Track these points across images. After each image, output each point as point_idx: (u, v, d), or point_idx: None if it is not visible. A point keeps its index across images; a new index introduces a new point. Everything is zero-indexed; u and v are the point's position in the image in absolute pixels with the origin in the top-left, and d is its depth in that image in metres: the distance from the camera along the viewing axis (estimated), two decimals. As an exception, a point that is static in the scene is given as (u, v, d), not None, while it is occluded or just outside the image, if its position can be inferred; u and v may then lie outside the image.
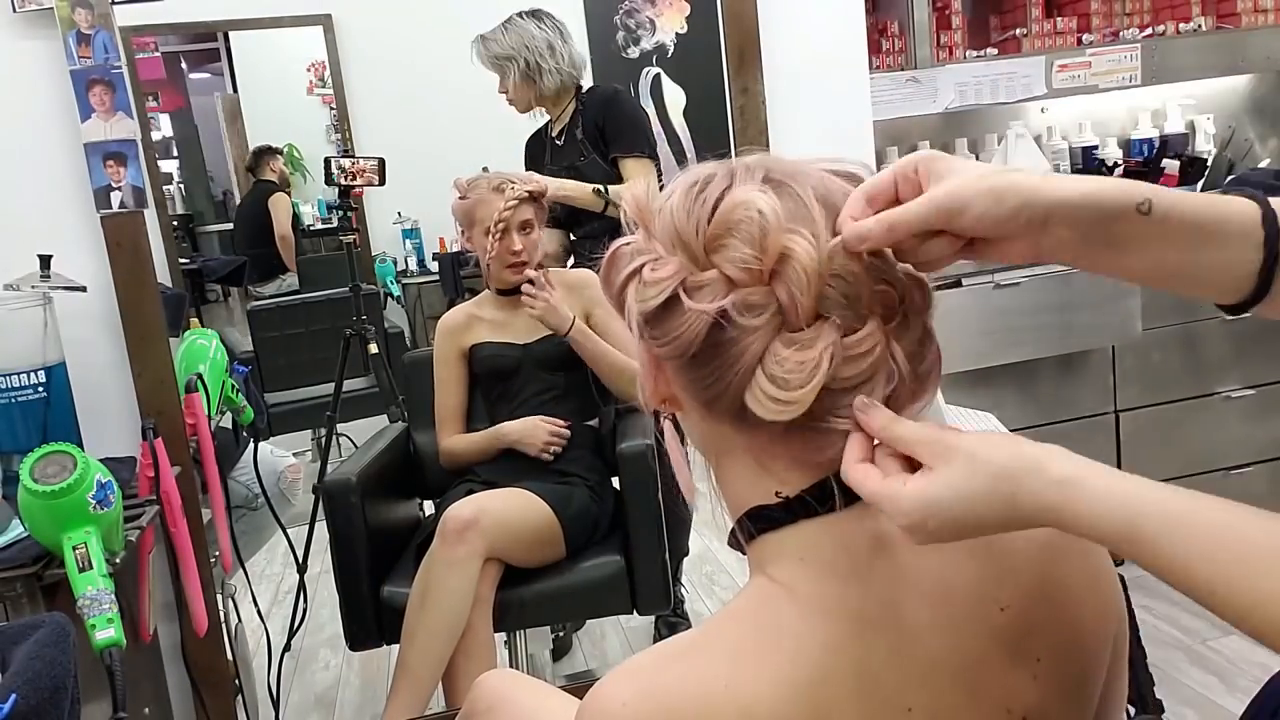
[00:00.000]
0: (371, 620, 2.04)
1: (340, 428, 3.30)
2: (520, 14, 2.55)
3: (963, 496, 0.59)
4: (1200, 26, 2.92)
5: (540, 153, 2.66)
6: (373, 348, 2.66)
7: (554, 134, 2.62)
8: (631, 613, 2.12)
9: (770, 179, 0.66)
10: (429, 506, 2.48)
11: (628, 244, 0.70)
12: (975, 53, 2.80)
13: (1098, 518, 0.55)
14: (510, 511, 2.03)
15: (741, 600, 0.68)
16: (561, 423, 2.22)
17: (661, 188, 0.71)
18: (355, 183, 2.53)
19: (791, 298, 0.62)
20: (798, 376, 0.62)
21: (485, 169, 2.47)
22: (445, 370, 2.31)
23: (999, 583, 0.68)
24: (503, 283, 2.26)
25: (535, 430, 2.19)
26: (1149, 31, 2.91)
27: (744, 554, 0.72)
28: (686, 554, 2.64)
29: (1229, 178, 3.04)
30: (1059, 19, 2.85)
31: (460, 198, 2.27)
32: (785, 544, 0.67)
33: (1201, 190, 3.01)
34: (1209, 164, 3.10)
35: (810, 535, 0.67)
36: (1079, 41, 2.83)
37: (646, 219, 0.69)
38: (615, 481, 2.28)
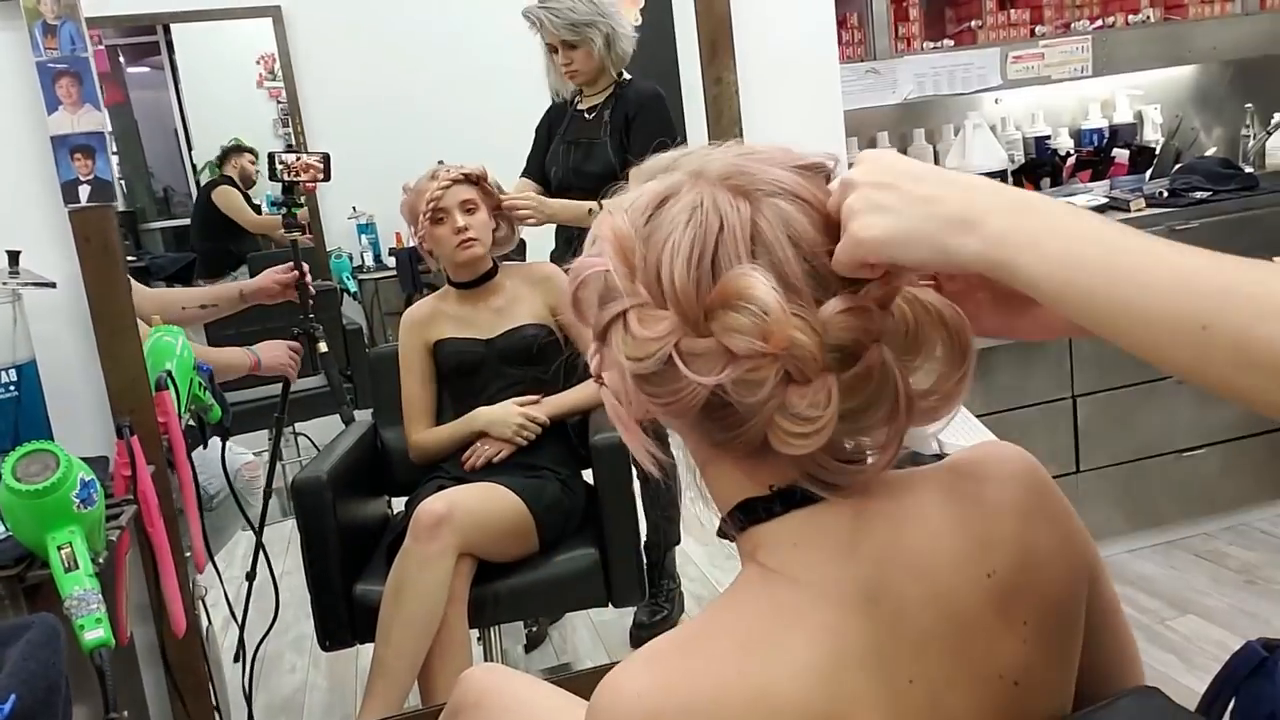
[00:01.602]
0: (344, 620, 2.02)
1: (300, 426, 3.25)
2: None
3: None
4: (1148, 18, 2.98)
5: (557, 121, 2.62)
6: (322, 346, 2.60)
7: (583, 108, 2.58)
8: (607, 605, 2.12)
9: (742, 191, 0.66)
10: (397, 504, 2.45)
11: (600, 270, 0.68)
12: (932, 44, 2.84)
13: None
14: (483, 505, 2.02)
15: (740, 588, 0.69)
16: (535, 399, 2.20)
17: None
18: (300, 178, 2.48)
19: (797, 368, 0.63)
20: (814, 412, 0.63)
21: (441, 163, 2.45)
22: (411, 365, 2.29)
23: (984, 549, 0.69)
24: (459, 269, 2.24)
25: (508, 414, 2.18)
26: (1099, 23, 2.97)
27: (732, 542, 0.73)
28: (678, 542, 2.64)
29: (1176, 166, 3.12)
30: (1012, 11, 2.89)
31: (404, 198, 2.26)
32: (778, 533, 0.69)
33: (1150, 178, 3.08)
34: (1157, 153, 3.18)
35: (800, 522, 0.69)
36: (1032, 33, 2.88)
37: (630, 260, 0.67)
38: (587, 474, 2.29)
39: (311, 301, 2.49)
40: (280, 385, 2.44)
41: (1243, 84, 3.42)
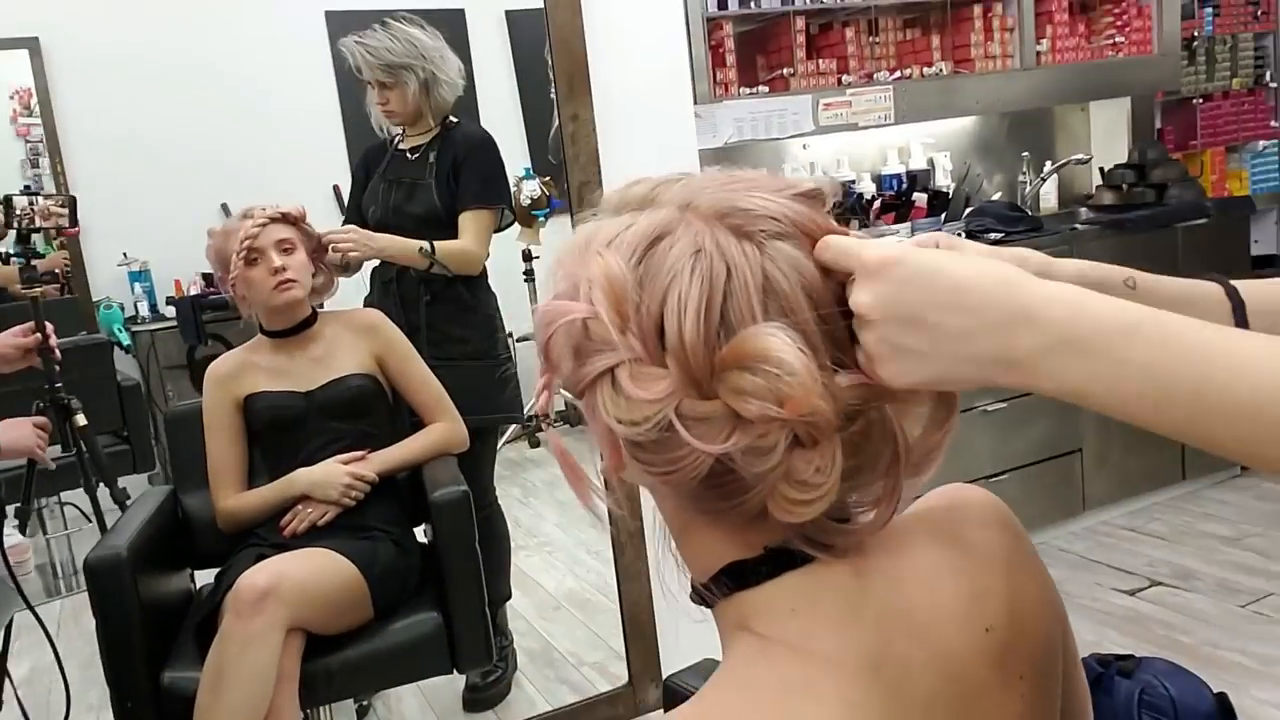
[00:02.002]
0: (152, 713, 1.78)
1: (68, 494, 2.92)
2: (396, 16, 2.39)
3: (951, 259, 0.56)
4: (940, 71, 3.17)
5: (376, 160, 2.52)
6: (79, 419, 2.32)
7: (405, 148, 2.48)
8: (451, 672, 1.98)
9: (744, 233, 0.59)
10: (201, 577, 2.22)
11: (578, 315, 0.59)
12: (749, 90, 2.90)
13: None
14: (312, 574, 1.85)
15: (740, 664, 0.62)
16: (359, 457, 2.05)
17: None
18: (41, 225, 2.21)
19: (809, 434, 0.57)
20: (820, 478, 0.57)
21: (224, 206, 2.28)
22: (217, 424, 2.08)
23: (980, 603, 0.66)
24: (275, 315, 2.07)
25: (333, 474, 2.01)
26: (898, 74, 3.13)
27: (708, 607, 0.66)
28: (509, 597, 2.52)
29: (968, 209, 3.32)
30: (821, 60, 3.00)
31: (210, 242, 2.08)
32: (773, 598, 0.62)
33: (945, 220, 3.26)
34: (950, 197, 3.38)
35: (796, 586, 0.62)
36: (839, 82, 2.99)
37: (624, 308, 0.58)
38: (419, 532, 2.15)
39: (59, 367, 2.21)
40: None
41: (1018, 134, 3.70)
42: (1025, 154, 3.63)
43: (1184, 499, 3.53)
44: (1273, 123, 3.96)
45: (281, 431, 2.08)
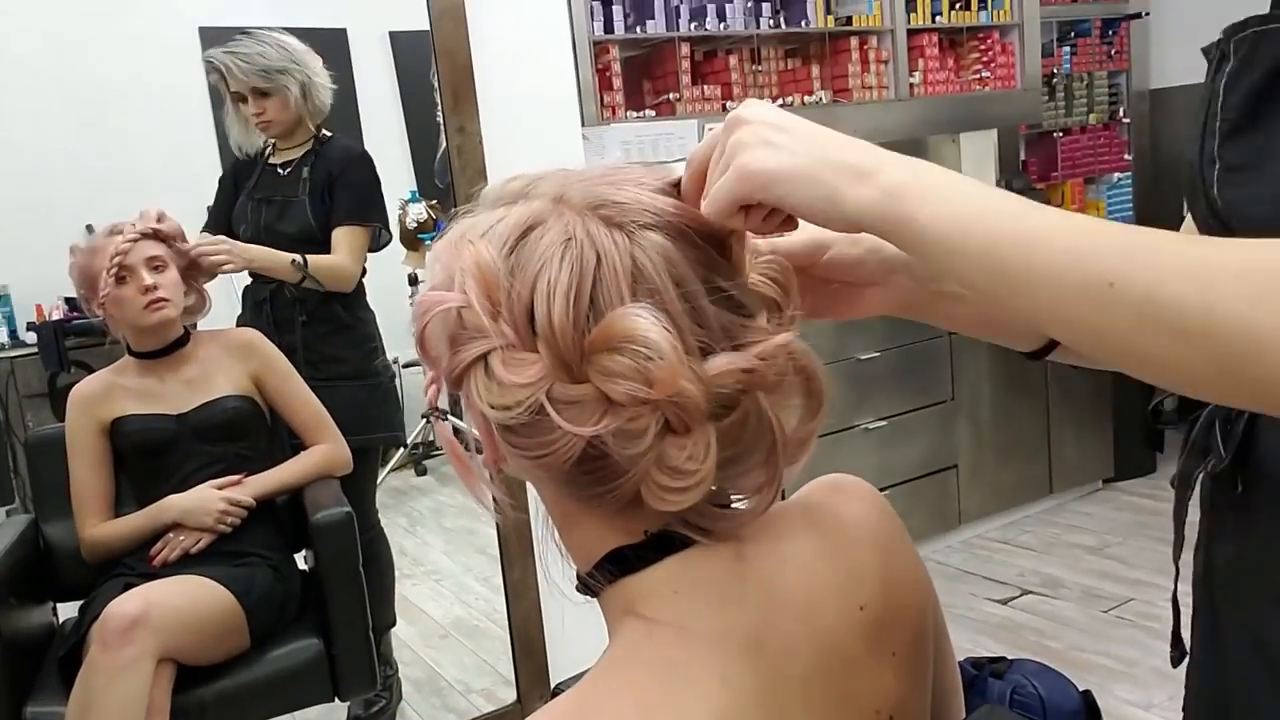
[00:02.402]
0: (10, 752, 1.68)
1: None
2: (262, 29, 2.33)
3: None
4: (821, 99, 3.27)
5: (245, 174, 2.44)
6: None
7: (277, 163, 2.41)
8: (333, 700, 1.92)
9: (615, 223, 0.60)
10: (64, 610, 2.11)
11: (451, 304, 0.60)
12: (635, 114, 2.94)
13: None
14: (184, 602, 1.78)
15: (626, 646, 0.62)
16: (236, 482, 1.98)
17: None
18: None
19: (680, 419, 0.58)
20: (693, 465, 0.58)
21: (89, 227, 2.19)
22: (81, 449, 1.99)
23: (855, 583, 0.68)
24: (145, 336, 1.99)
25: (206, 500, 1.94)
26: (780, 102, 3.21)
27: (594, 598, 0.66)
28: (393, 624, 2.46)
29: (847, 234, 3.42)
30: (705, 86, 3.06)
31: (74, 259, 1.99)
32: (656, 581, 0.63)
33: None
34: (831, 222, 3.47)
35: (678, 569, 0.63)
36: (724, 108, 3.06)
37: (495, 295, 0.59)
38: (299, 559, 2.09)
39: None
40: None
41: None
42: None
43: (1052, 511, 3.69)
44: (1126, 156, 4.20)
45: (151, 456, 2.00)
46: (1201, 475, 0.76)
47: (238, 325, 2.37)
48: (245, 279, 2.41)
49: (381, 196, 2.45)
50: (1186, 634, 0.85)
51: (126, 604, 1.70)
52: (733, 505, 0.65)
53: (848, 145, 0.57)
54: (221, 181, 2.49)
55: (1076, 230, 0.51)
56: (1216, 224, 0.67)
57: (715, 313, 0.60)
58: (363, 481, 2.36)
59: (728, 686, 0.59)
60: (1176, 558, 0.86)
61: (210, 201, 2.69)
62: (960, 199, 0.53)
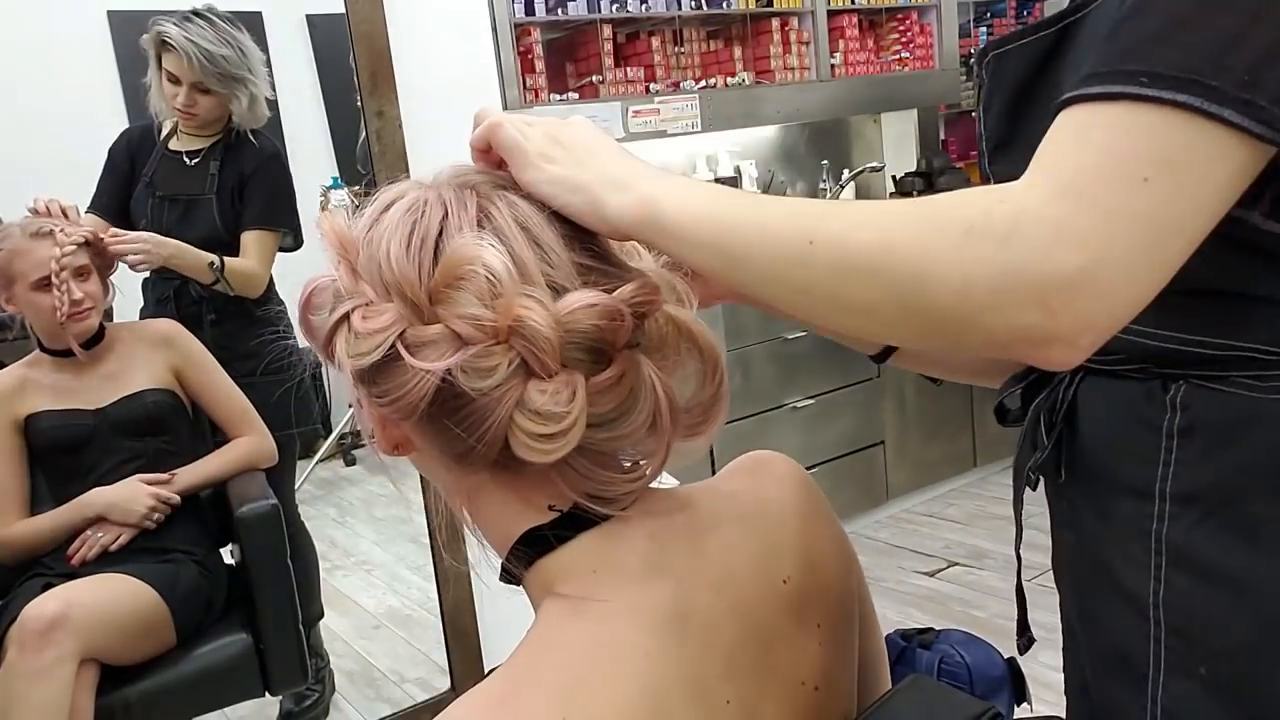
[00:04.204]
0: (-79, 764, 1.63)
1: None
2: (221, 16, 2.19)
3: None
4: (744, 81, 3.29)
5: (143, 155, 2.28)
6: None
7: (181, 149, 2.28)
8: (263, 695, 1.90)
9: (470, 185, 0.65)
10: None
11: (328, 281, 0.64)
12: (558, 96, 2.92)
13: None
14: (106, 601, 1.74)
15: (549, 626, 0.62)
16: (165, 479, 1.94)
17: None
18: None
19: (534, 355, 0.59)
20: (557, 408, 0.58)
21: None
22: None
23: (777, 556, 0.69)
24: (60, 339, 1.93)
25: (135, 495, 1.89)
26: (703, 84, 3.22)
27: (518, 585, 0.67)
28: (321, 616, 2.42)
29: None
30: (628, 68, 3.06)
31: None
32: (573, 560, 0.63)
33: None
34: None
35: (594, 548, 0.63)
36: (647, 90, 3.06)
37: (351, 255, 0.62)
38: (224, 552, 2.05)
39: None
40: None
41: (818, 143, 3.87)
42: (825, 162, 3.80)
43: (976, 484, 3.78)
44: (1041, 135, 4.30)
45: (68, 453, 1.94)
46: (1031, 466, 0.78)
47: (141, 319, 2.28)
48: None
49: (294, 199, 2.34)
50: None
51: (45, 605, 1.65)
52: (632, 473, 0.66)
53: (613, 160, 0.64)
54: (112, 155, 2.32)
55: (789, 207, 0.58)
56: None
57: (570, 256, 0.63)
58: (282, 475, 2.31)
59: (651, 661, 0.60)
60: (1018, 549, 0.89)
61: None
62: (701, 199, 0.60)
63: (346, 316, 0.61)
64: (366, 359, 0.60)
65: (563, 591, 0.63)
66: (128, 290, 2.17)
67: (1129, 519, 0.67)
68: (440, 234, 0.61)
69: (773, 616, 0.66)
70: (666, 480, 0.69)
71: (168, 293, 2.26)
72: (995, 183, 0.68)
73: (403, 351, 0.59)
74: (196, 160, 2.27)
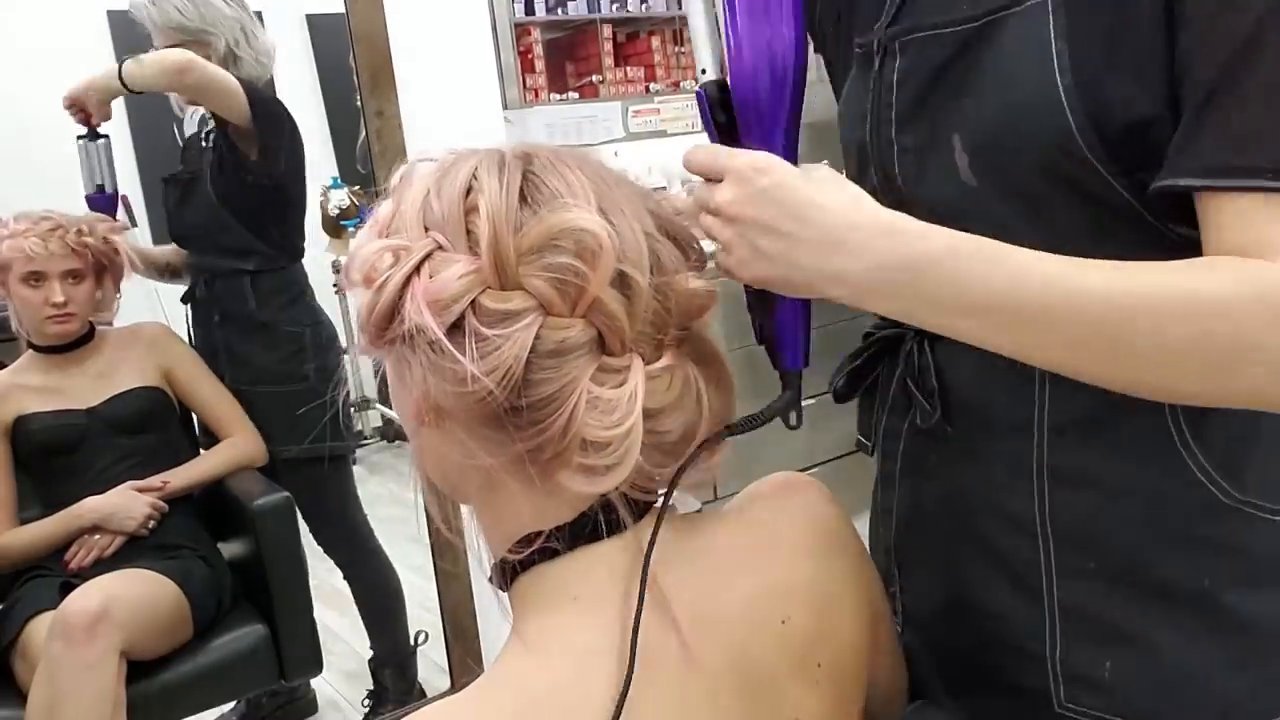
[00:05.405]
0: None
1: None
2: None
3: (814, 177, 0.63)
4: (742, 81, 3.31)
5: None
6: None
7: (191, 132, 2.23)
8: (279, 683, 1.92)
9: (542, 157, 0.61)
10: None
11: (381, 243, 0.59)
12: (559, 96, 2.94)
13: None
14: (140, 594, 1.74)
15: (504, 667, 0.60)
16: (158, 486, 1.94)
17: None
18: None
19: (609, 329, 0.57)
20: (618, 396, 0.56)
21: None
22: None
23: (780, 596, 0.65)
24: (45, 337, 1.92)
25: (131, 502, 1.88)
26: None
27: (505, 591, 0.64)
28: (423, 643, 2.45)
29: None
30: (628, 68, 3.08)
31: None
32: (563, 578, 0.61)
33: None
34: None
35: (585, 566, 0.61)
36: (647, 89, 3.08)
37: (427, 216, 0.59)
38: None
39: None
40: None
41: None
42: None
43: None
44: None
45: (61, 454, 1.92)
46: (906, 429, 0.83)
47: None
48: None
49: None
50: None
51: (88, 600, 1.65)
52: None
53: (833, 247, 0.61)
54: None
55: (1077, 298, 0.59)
56: (893, 195, 0.74)
57: (656, 236, 0.61)
58: (344, 495, 2.28)
59: (627, 709, 0.56)
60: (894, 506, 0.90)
61: (123, 190, 2.55)
62: (927, 280, 0.61)
63: (424, 260, 0.57)
64: (446, 317, 0.55)
65: (536, 621, 0.61)
66: (150, 291, 2.17)
67: (1013, 454, 0.73)
68: (525, 189, 0.58)
69: (766, 659, 0.63)
70: (690, 504, 0.68)
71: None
72: (896, 152, 0.74)
73: (475, 322, 0.55)
74: (201, 134, 2.20)
